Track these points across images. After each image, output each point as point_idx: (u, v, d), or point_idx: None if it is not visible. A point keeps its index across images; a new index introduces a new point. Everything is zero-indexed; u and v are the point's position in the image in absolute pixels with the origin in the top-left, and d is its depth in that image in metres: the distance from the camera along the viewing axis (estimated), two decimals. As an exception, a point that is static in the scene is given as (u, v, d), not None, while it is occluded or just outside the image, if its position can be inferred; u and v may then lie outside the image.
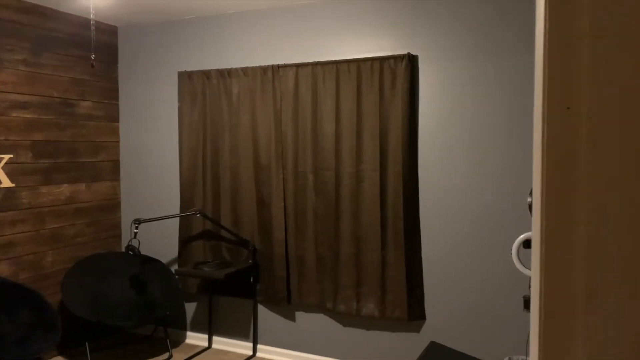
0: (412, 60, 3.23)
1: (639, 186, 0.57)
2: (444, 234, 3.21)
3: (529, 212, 2.57)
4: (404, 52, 3.23)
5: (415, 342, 3.31)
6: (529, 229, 2.82)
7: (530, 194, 2.39)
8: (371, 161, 3.30)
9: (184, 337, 4.18)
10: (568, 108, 0.59)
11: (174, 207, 4.09)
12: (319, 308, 3.61)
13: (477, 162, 3.12)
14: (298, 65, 3.53)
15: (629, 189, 0.56)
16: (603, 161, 0.58)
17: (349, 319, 3.53)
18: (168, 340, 3.92)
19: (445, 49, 3.19)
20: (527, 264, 2.84)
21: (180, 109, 4.00)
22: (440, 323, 3.23)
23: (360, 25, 3.42)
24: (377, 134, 3.28)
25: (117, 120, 4.34)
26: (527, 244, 2.41)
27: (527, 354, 2.95)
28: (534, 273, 0.66)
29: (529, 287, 2.47)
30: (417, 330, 3.31)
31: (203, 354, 3.92)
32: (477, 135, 3.13)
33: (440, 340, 3.21)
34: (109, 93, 4.26)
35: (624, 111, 0.56)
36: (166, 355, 3.85)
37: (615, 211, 0.57)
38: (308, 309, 3.68)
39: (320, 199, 3.51)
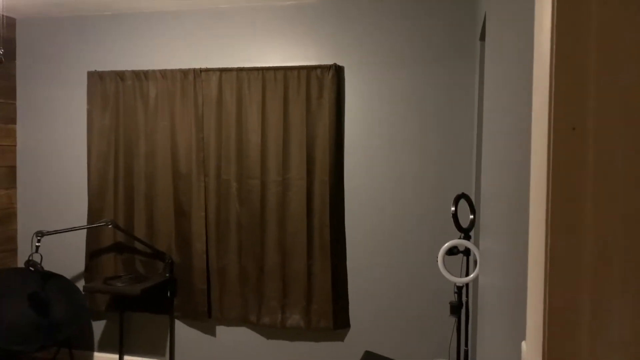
0: (338, 71, 3.27)
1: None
2: (368, 242, 3.26)
3: (452, 220, 2.69)
4: (330, 62, 3.26)
5: (340, 350, 3.32)
6: (451, 236, 2.96)
7: (454, 203, 2.50)
8: (298, 170, 3.28)
9: (90, 358, 3.85)
10: (574, 129, 0.59)
11: (79, 217, 3.76)
12: (242, 321, 3.50)
13: (399, 171, 3.22)
14: (222, 70, 3.43)
15: (635, 202, 0.58)
16: (610, 172, 0.59)
17: (273, 331, 3.46)
18: (73, 364, 3.58)
19: (369, 61, 3.27)
20: (451, 271, 2.96)
21: (89, 111, 3.70)
22: (365, 330, 3.27)
23: (287, 33, 3.39)
24: (304, 143, 3.26)
25: (13, 122, 3.91)
26: (451, 251, 2.51)
27: (449, 357, 3.07)
28: (533, 287, 0.67)
29: (454, 293, 2.58)
30: (342, 338, 3.32)
31: (113, 376, 3.62)
32: (399, 145, 3.23)
33: (365, 347, 3.25)
34: (5, 91, 3.84)
35: (629, 128, 0.58)
36: (71, 380, 3.52)
37: (621, 225, 0.58)
38: (230, 322, 3.55)
39: (245, 208, 3.41)
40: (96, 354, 3.84)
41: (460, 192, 2.59)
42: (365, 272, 3.27)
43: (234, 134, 3.41)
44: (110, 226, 3.52)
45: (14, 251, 3.93)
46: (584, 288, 0.61)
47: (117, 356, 3.78)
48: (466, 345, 2.59)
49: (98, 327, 3.84)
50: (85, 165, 3.74)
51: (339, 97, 3.27)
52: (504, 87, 1.34)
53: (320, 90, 3.25)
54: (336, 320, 3.27)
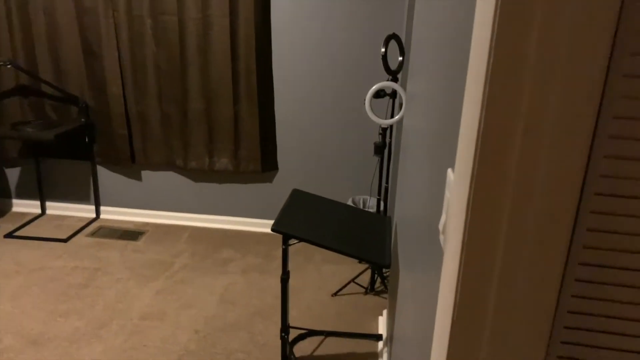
0: None
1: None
2: (295, 86, 3.20)
3: (381, 63, 2.65)
4: None
5: (269, 191, 3.44)
6: (378, 80, 2.95)
7: (385, 44, 2.44)
8: (220, 5, 3.00)
9: (9, 205, 3.73)
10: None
11: (-28, 56, 3.34)
12: (168, 166, 3.47)
13: (328, 10, 3.05)
14: None
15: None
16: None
17: (200, 175, 3.48)
18: (-10, 211, 3.47)
19: None
20: (378, 113, 3.02)
21: None
22: (293, 172, 3.37)
23: None
24: (225, -25, 2.95)
25: None
26: (378, 94, 2.53)
27: (370, 194, 3.28)
28: (468, 111, 0.66)
29: (379, 134, 2.66)
30: (271, 180, 3.42)
31: (36, 221, 3.57)
32: (331, -18, 3.01)
33: (293, 187, 3.39)
34: None
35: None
36: (-10, 227, 3.43)
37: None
38: (155, 167, 3.51)
39: (163, 50, 3.16)
40: (15, 201, 3.72)
41: (391, 33, 2.52)
42: (293, 116, 3.26)
43: (144, -39, 3.00)
44: (9, 66, 3.15)
45: None
46: (520, 113, 0.61)
47: (38, 202, 3.70)
48: (387, 182, 2.75)
49: (13, 174, 3.67)
50: (-33, -7, 3.20)
51: None
52: None
53: None
54: (265, 163, 3.33)
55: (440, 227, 0.86)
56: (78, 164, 3.56)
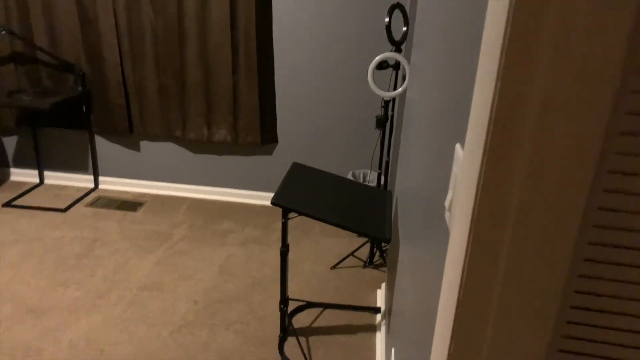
0: None
1: None
2: (296, 57, 3.13)
3: (385, 33, 2.59)
4: None
5: (268, 163, 3.41)
6: (382, 51, 2.90)
7: (389, 14, 2.38)
8: (219, -28, 2.91)
9: (7, 174, 3.70)
10: None
11: (-35, 21, 3.26)
12: (167, 137, 3.43)
13: (332, -20, 2.96)
14: None
15: None
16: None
17: (199, 146, 3.44)
18: (-13, 180, 3.44)
19: None
20: (380, 85, 2.97)
21: None
22: (293, 145, 3.34)
23: None
24: (225, -61, 2.85)
25: None
26: (380, 65, 2.47)
27: (371, 168, 3.25)
28: (481, 82, 0.63)
29: (381, 107, 2.62)
30: (270, 152, 3.38)
31: (34, 190, 3.55)
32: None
33: (293, 160, 3.36)
34: None
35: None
36: (-12, 196, 3.41)
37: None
38: (154, 138, 3.47)
39: (161, 18, 3.08)
40: (13, 170, 3.69)
41: (395, 2, 2.45)
42: (293, 87, 3.20)
43: None
44: (3, 32, 3.08)
45: None
46: (536, 85, 0.58)
47: (36, 171, 3.67)
48: (388, 156, 2.73)
49: (10, 142, 3.63)
50: (-42, -45, 3.10)
51: None
52: None
53: None
54: (264, 135, 3.29)
55: (447, 204, 0.83)
56: (76, 133, 3.52)
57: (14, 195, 3.44)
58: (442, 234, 0.89)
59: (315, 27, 3.05)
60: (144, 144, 3.50)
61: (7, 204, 3.30)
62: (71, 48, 3.23)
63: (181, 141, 3.44)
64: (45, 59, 3.26)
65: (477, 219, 0.62)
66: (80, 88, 3.28)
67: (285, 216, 1.89)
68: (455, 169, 0.81)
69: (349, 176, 3.12)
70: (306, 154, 3.33)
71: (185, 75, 3.18)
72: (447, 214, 0.83)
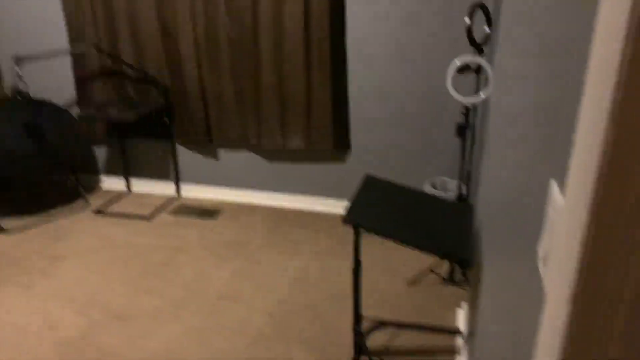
0: None
1: None
2: (371, 58, 3.04)
3: (465, 34, 2.43)
4: None
5: (343, 170, 3.35)
6: (462, 52, 2.72)
7: (470, 14, 2.22)
8: (292, -21, 2.89)
9: (98, 182, 3.94)
10: None
11: (60, 37, 3.49)
12: (242, 144, 3.47)
13: (408, -20, 2.83)
14: None
15: None
16: None
17: (274, 153, 3.45)
18: (80, 188, 3.67)
19: None
20: (460, 90, 2.81)
21: None
22: (367, 152, 3.25)
23: None
24: (298, -54, 2.81)
25: None
26: (461, 69, 2.32)
27: (450, 176, 3.08)
28: (591, 100, 0.51)
29: (462, 113, 2.46)
30: (344, 159, 3.32)
31: (124, 198, 3.75)
32: (410, -53, 2.78)
33: (367, 168, 3.27)
34: None
35: None
36: (81, 202, 3.64)
37: None
38: (231, 145, 3.53)
39: (236, 23, 3.11)
40: (103, 178, 3.92)
41: (477, 1, 2.29)
42: (367, 91, 3.11)
43: (216, -63, 2.93)
44: (94, 50, 3.27)
45: (-2, 79, 3.74)
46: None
47: (123, 180, 3.87)
48: (469, 166, 2.56)
49: (100, 152, 3.85)
50: (54, -21, 3.34)
51: None
52: None
53: None
54: (337, 141, 3.23)
55: (540, 252, 0.71)
56: (159, 143, 3.66)
57: (104, 202, 3.65)
58: (535, 285, 0.76)
59: (390, 28, 2.94)
60: (221, 152, 3.57)
61: (98, 212, 3.50)
62: (154, 62, 3.36)
63: (256, 148, 3.47)
64: (130, 73, 3.42)
65: (581, 295, 0.51)
66: (162, 100, 3.41)
67: (357, 234, 1.81)
68: (551, 212, 0.68)
69: (427, 185, 2.98)
70: (381, 161, 3.23)
71: (260, 82, 3.20)
72: (540, 264, 0.71)
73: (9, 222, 3.35)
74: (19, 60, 2.99)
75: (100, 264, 2.89)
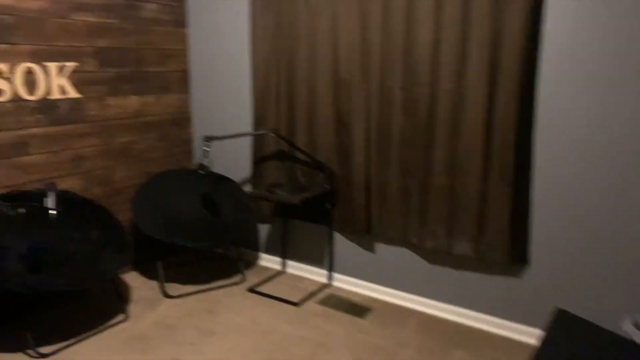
0: (540, -56, 2.51)
1: None
2: (562, 165, 2.65)
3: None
4: None
5: (514, 288, 2.90)
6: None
7: None
8: (477, 76, 2.71)
9: (257, 258, 4.03)
10: None
11: (246, 123, 3.78)
12: (402, 242, 3.25)
13: (618, 80, 2.45)
14: (391, -44, 2.90)
15: None
16: None
17: (436, 256, 3.15)
18: (240, 264, 3.78)
19: None
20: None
21: (252, 12, 3.53)
22: (548, 269, 2.77)
23: None
24: (486, 42, 2.65)
25: (184, 25, 3.95)
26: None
27: (663, 319, 2.45)
28: None
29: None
30: (518, 275, 2.87)
31: (278, 278, 3.75)
32: (621, 46, 2.43)
33: (545, 291, 2.78)
34: (175, -6, 3.84)
35: None
36: (239, 277, 3.72)
37: None
38: (390, 241, 3.33)
39: (410, 120, 3.01)
40: (262, 255, 4.00)
41: None
42: (556, 201, 2.69)
43: (401, 33, 2.93)
44: (273, 135, 3.44)
45: (189, 153, 4.15)
46: None
47: (279, 259, 3.90)
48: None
49: (263, 230, 3.96)
50: (250, 69, 3.67)
51: (538, -20, 2.54)
52: None
53: (514, -29, 2.55)
54: (513, 255, 2.82)
55: None
56: (317, 228, 3.64)
57: (259, 281, 3.68)
58: None
59: (588, 136, 2.55)
60: (379, 246, 3.39)
61: (252, 290, 3.53)
62: (325, 149, 3.40)
63: (417, 248, 3.21)
64: (301, 157, 3.50)
65: None
66: (327, 186, 3.40)
67: (542, 390, 1.42)
68: None
69: (629, 322, 2.38)
70: (566, 283, 2.72)
71: (429, 179, 3.00)
72: None
73: (173, 287, 3.53)
74: (208, 139, 3.25)
75: (245, 349, 2.82)
